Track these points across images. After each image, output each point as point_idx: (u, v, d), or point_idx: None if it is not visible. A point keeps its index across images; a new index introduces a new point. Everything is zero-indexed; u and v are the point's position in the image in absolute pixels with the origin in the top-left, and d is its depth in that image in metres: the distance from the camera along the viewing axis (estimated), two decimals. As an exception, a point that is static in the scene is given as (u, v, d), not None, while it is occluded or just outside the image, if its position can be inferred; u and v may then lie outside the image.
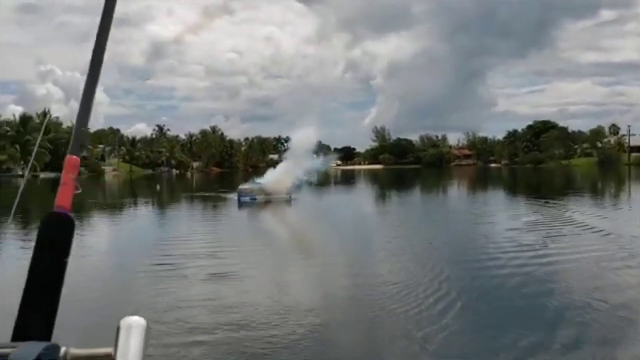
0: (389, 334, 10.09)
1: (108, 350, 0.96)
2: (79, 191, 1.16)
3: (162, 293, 13.33)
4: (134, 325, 0.97)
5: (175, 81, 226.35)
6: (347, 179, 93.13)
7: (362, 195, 57.70)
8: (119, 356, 0.93)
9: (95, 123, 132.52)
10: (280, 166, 47.82)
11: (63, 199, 1.12)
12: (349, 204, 46.42)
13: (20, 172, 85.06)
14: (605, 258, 16.87)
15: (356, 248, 21.05)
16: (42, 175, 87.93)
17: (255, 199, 40.72)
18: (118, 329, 0.97)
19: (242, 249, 20.36)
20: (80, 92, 1.17)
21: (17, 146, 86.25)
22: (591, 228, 23.77)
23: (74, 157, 1.15)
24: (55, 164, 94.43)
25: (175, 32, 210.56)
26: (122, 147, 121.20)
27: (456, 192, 61.63)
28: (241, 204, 39.80)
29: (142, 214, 38.04)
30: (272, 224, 32.45)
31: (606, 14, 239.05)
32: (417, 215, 35.66)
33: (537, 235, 22.43)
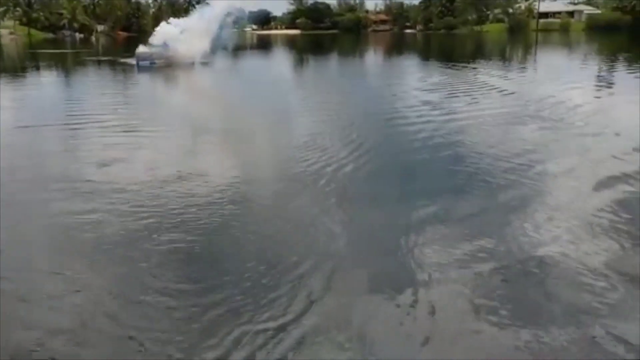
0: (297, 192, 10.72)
1: None
2: None
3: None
4: None
5: None
6: (263, 44, 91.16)
7: (276, 60, 57.20)
8: None
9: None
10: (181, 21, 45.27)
11: None
12: (261, 67, 46.08)
13: None
14: (507, 114, 18.12)
15: (265, 108, 21.42)
16: None
17: (154, 63, 38.88)
18: None
19: (136, 115, 20.18)
20: None
21: None
22: (496, 88, 25.19)
23: None
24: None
25: None
26: (18, 8, 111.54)
27: (370, 57, 62.16)
28: (140, 68, 38.13)
29: (43, 79, 36.32)
30: (171, 88, 31.36)
31: None
32: (331, 77, 36.22)
33: (444, 95, 23.55)
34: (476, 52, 59.31)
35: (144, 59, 39.41)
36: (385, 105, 21.26)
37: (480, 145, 13.70)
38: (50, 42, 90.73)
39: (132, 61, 40.95)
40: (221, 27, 44.95)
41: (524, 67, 40.50)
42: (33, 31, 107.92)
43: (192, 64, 39.17)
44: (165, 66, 37.98)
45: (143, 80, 34.10)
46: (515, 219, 8.71)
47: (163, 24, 44.43)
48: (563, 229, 8.27)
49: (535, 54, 58.34)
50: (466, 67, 37.91)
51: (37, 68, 43.65)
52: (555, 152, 12.90)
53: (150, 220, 8.66)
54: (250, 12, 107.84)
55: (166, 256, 7.37)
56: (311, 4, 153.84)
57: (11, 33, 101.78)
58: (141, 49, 41.06)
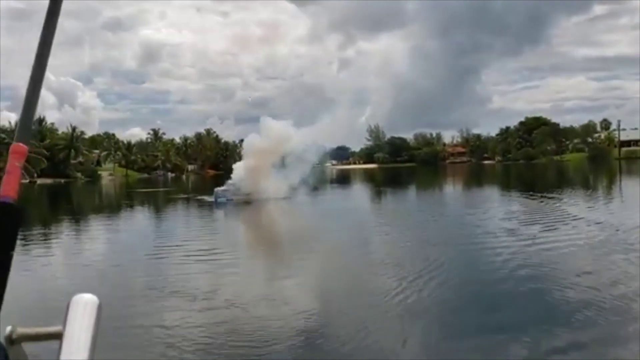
0: (385, 329, 10.40)
1: (57, 328, 0.91)
2: (26, 180, 1.14)
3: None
4: (84, 303, 0.92)
5: (169, 84, 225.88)
6: (343, 178, 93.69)
7: (356, 193, 58.46)
8: (67, 334, 0.89)
9: (90, 128, 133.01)
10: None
11: (9, 188, 1.01)
12: (341, 201, 47.14)
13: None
14: (597, 246, 17.35)
15: (345, 237, 21.81)
16: (39, 181, 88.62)
17: (231, 199, 41.54)
18: (68, 306, 0.92)
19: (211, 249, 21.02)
20: (28, 80, 1.03)
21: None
22: (581, 218, 24.38)
23: (21, 144, 1.05)
24: (52, 170, 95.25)
25: (168, 35, 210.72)
26: (118, 152, 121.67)
27: (450, 189, 62.38)
28: (217, 205, 40.74)
29: (133, 215, 39.10)
30: (243, 222, 33.71)
31: (598, 9, 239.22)
32: (410, 208, 36.42)
33: (530, 226, 22.95)
34: (558, 182, 58.31)
35: (222, 196, 42.27)
36: (473, 239, 20.70)
37: (569, 274, 13.21)
38: (144, 181, 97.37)
39: (211, 198, 43.73)
40: (302, 164, 47.13)
41: (610, 197, 39.36)
42: (130, 172, 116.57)
43: (268, 200, 41.08)
44: (242, 203, 40.28)
45: (219, 216, 36.40)
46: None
47: (240, 163, 47.96)
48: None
49: (620, 182, 56.77)
50: (549, 196, 37.23)
51: (132, 206, 46.93)
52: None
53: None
54: (330, 148, 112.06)
55: None
56: (388, 139, 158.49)
57: (110, 174, 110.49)
58: (219, 187, 44.37)
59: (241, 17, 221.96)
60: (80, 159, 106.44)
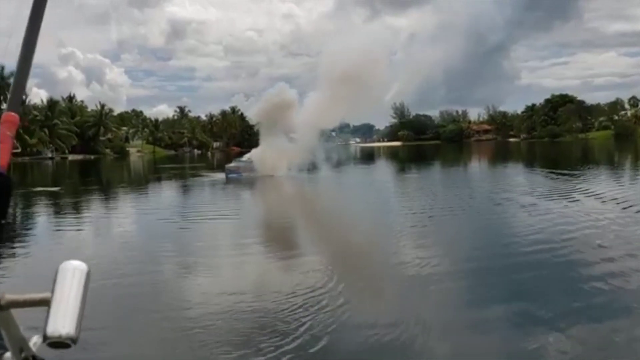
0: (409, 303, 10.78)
1: (46, 294, 0.89)
2: (18, 150, 1.42)
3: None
4: (73, 269, 0.91)
5: (196, 61, 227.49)
6: (367, 156, 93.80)
7: (377, 171, 58.94)
8: (54, 301, 0.87)
9: (118, 105, 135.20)
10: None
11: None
12: (361, 180, 47.62)
13: (49, 155, 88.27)
14: (620, 225, 17.43)
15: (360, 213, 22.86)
16: (70, 157, 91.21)
17: (241, 175, 43.72)
18: (56, 272, 0.90)
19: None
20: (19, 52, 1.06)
21: (46, 130, 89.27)
22: (607, 198, 24.00)
23: (12, 113, 1.01)
24: (82, 147, 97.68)
25: (194, 12, 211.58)
26: (146, 129, 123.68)
27: (474, 167, 62.21)
28: (228, 179, 43.07)
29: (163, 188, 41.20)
30: (252, 194, 36.55)
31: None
32: (434, 186, 36.37)
33: (556, 204, 23.07)
34: (583, 160, 57.79)
35: (233, 172, 44.63)
36: (497, 215, 21.15)
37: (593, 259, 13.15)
38: (171, 158, 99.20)
39: (220, 175, 45.90)
40: (326, 141, 48.10)
41: (634, 176, 38.90)
42: (157, 149, 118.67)
43: (274, 176, 42.85)
44: (251, 178, 42.38)
45: (230, 189, 38.96)
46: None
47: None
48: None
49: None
50: (573, 174, 37.21)
51: (159, 179, 48.96)
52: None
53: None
54: (354, 126, 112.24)
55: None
56: (413, 117, 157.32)
57: (138, 151, 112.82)
58: (229, 164, 47.34)
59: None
60: (109, 135, 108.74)
